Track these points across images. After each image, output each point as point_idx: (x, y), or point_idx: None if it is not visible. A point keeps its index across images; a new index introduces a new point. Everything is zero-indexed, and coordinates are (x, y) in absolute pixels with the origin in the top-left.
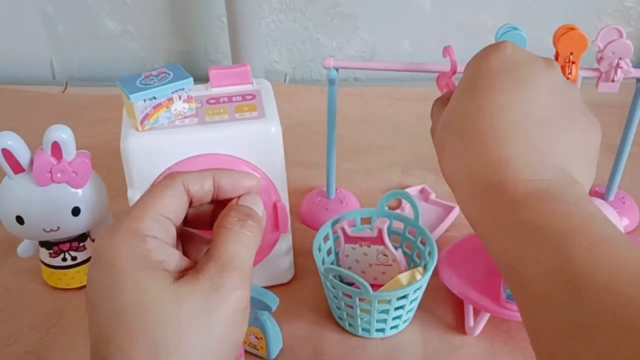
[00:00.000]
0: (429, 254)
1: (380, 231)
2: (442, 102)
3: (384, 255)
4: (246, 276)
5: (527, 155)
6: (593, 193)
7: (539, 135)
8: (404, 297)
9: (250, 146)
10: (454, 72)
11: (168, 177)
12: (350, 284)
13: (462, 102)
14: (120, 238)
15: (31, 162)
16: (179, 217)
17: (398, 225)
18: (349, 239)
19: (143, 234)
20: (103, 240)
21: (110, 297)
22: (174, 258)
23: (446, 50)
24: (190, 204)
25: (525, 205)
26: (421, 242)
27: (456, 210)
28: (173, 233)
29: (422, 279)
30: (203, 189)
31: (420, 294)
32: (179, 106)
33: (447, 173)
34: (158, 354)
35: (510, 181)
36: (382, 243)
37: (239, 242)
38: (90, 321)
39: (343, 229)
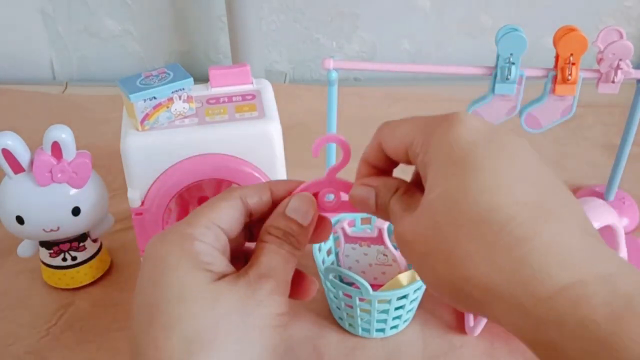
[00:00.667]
0: None
1: (380, 231)
2: (405, 193)
3: (384, 255)
4: (284, 284)
5: (576, 238)
6: (593, 193)
7: (569, 208)
8: (404, 297)
9: (251, 146)
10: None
11: (226, 191)
12: (350, 284)
13: (460, 180)
14: (171, 239)
15: (31, 162)
16: (233, 228)
17: None
18: (349, 239)
19: (193, 237)
20: (154, 241)
21: (152, 290)
22: (221, 263)
23: (318, 145)
24: (251, 216)
25: (625, 332)
26: None
27: None
28: (224, 241)
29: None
30: (261, 200)
31: (420, 294)
32: (179, 106)
33: (469, 281)
34: (191, 348)
35: (580, 284)
36: (383, 243)
37: (278, 255)
38: (131, 315)
39: (343, 229)
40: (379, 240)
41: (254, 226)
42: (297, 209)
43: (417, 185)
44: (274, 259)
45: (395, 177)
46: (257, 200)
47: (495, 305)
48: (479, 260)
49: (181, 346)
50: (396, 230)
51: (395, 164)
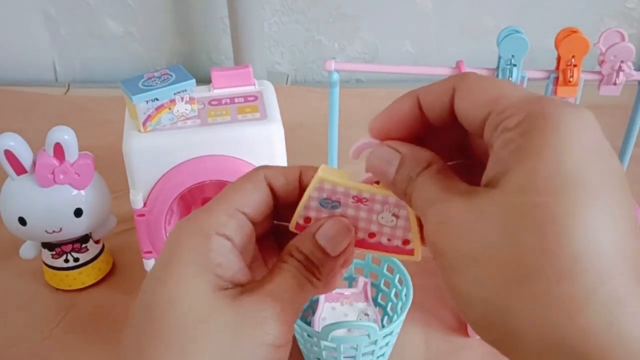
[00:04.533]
0: (405, 294)
1: (365, 285)
2: (440, 172)
3: (366, 315)
4: (290, 313)
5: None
6: None
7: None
8: (374, 342)
9: (253, 148)
10: None
11: (250, 171)
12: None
13: (567, 199)
14: (187, 233)
15: (34, 163)
16: (258, 212)
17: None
18: (330, 296)
19: (210, 231)
20: (175, 229)
21: (153, 286)
22: (233, 265)
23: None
24: (278, 200)
25: None
26: (399, 282)
27: None
28: (249, 229)
29: (394, 324)
30: (288, 184)
31: (391, 340)
32: (181, 107)
33: (523, 320)
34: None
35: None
36: (366, 299)
37: (294, 280)
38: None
39: None
40: (362, 296)
41: (280, 209)
42: (329, 236)
43: (455, 168)
44: (287, 281)
45: (426, 150)
46: (283, 183)
47: (535, 356)
48: (556, 306)
49: (159, 355)
50: (430, 214)
51: (423, 131)
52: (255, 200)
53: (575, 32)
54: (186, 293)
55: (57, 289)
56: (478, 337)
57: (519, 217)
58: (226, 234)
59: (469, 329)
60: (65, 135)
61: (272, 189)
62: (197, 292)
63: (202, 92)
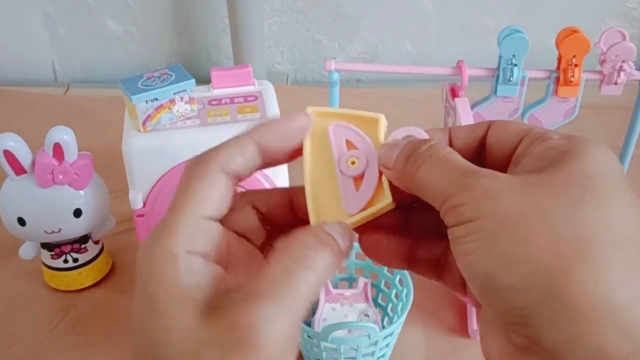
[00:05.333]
0: (406, 295)
1: (365, 285)
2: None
3: (366, 315)
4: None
5: None
6: None
7: None
8: (375, 343)
9: None
10: None
11: (199, 164)
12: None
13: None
14: (153, 259)
15: (33, 163)
16: (222, 209)
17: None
18: (330, 297)
19: (175, 251)
20: (139, 262)
21: (140, 327)
22: (210, 278)
23: None
24: (240, 180)
25: None
26: (399, 282)
27: None
28: (216, 233)
29: (394, 325)
30: (246, 160)
31: (392, 341)
32: (180, 107)
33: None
34: None
35: None
36: (366, 300)
37: (310, 270)
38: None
39: (326, 285)
40: (363, 297)
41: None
42: (336, 229)
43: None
44: (299, 281)
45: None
46: (240, 162)
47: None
48: (613, 271)
49: None
50: (465, 183)
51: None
52: (215, 198)
53: (576, 31)
54: (171, 334)
55: (56, 290)
56: (479, 338)
57: (582, 192)
58: (192, 248)
59: (470, 329)
60: (64, 136)
61: (232, 175)
62: (180, 330)
63: (201, 92)
